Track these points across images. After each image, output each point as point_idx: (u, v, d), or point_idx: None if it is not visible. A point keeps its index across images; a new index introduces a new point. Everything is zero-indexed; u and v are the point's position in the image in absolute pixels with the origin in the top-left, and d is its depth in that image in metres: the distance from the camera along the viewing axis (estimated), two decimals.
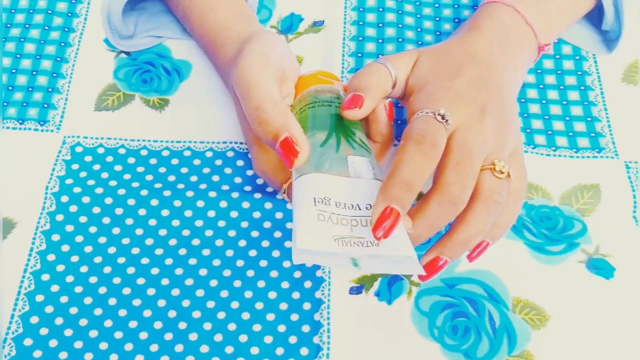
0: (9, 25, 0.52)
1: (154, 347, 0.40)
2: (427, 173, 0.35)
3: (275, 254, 0.43)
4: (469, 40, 0.43)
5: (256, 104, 0.38)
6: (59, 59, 0.51)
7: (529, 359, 0.40)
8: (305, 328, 0.41)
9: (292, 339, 0.40)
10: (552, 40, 0.49)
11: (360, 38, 0.53)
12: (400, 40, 0.52)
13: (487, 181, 0.37)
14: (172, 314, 0.41)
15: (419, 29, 0.53)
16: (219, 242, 0.43)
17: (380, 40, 0.53)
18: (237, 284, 0.42)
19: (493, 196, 0.36)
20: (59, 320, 0.41)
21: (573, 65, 0.52)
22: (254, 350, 0.40)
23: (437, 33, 0.53)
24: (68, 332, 0.40)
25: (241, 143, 0.48)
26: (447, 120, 0.37)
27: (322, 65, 0.51)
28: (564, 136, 0.48)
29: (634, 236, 0.44)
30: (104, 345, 0.40)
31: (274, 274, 0.42)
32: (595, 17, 0.52)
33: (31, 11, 0.53)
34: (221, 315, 0.41)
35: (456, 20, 0.54)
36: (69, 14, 0.53)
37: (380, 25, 0.53)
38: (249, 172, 0.46)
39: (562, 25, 0.49)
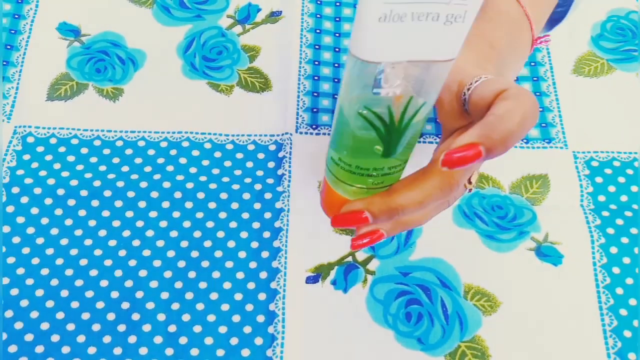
0: None
1: (107, 339, 0.40)
2: None
3: (231, 244, 0.43)
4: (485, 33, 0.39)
5: None
6: (8, 46, 0.50)
7: (480, 344, 0.41)
8: (260, 318, 0.41)
9: (247, 329, 0.40)
10: (538, 34, 0.49)
11: (318, 31, 0.53)
12: None
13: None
14: (125, 305, 0.41)
15: None
16: (174, 234, 0.43)
17: (337, 34, 0.53)
18: (192, 274, 0.42)
19: (450, 200, 0.35)
20: (8, 313, 0.40)
21: None
22: (208, 341, 0.40)
23: None
24: (18, 325, 0.40)
25: (196, 133, 0.47)
26: None
27: (279, 56, 0.51)
28: None
29: (581, 224, 0.45)
30: (55, 337, 0.39)
31: (229, 264, 0.42)
32: None
33: None
34: (175, 306, 0.41)
35: None
36: (19, 0, 0.52)
37: (337, 19, 0.54)
38: (205, 162, 0.46)
39: (546, 17, 0.49)
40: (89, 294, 0.41)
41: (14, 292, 0.41)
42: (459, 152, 0.28)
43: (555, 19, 0.50)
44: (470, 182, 0.35)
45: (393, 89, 0.28)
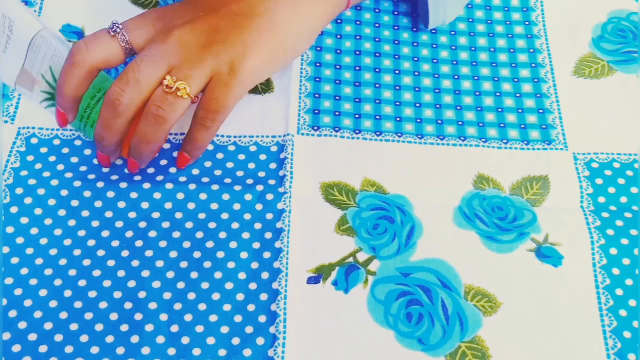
0: None
1: (110, 339, 0.40)
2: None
3: (233, 245, 0.43)
4: None
5: None
6: None
7: (480, 344, 0.41)
8: (262, 318, 0.41)
9: (248, 329, 0.41)
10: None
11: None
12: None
13: (154, 95, 0.41)
14: (128, 305, 0.41)
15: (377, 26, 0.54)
16: (176, 234, 0.43)
17: (338, 36, 0.53)
18: (194, 275, 0.42)
19: (150, 108, 0.41)
20: (12, 313, 0.40)
21: (527, 58, 0.53)
22: (210, 341, 0.40)
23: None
24: (22, 325, 0.40)
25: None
26: (116, 32, 0.42)
27: None
28: (516, 128, 0.50)
29: (581, 226, 0.46)
30: (58, 337, 0.40)
31: (231, 265, 0.43)
32: None
33: None
34: (178, 306, 0.41)
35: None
36: (23, 2, 0.52)
37: (339, 21, 0.54)
38: (207, 164, 0.46)
39: None
40: (92, 293, 0.41)
41: (18, 291, 0.41)
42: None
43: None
44: (170, 88, 0.41)
45: None
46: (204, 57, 0.42)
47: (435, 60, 0.53)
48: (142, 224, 0.44)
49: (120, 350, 0.40)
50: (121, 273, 0.42)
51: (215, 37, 0.42)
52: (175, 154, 0.47)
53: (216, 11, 0.43)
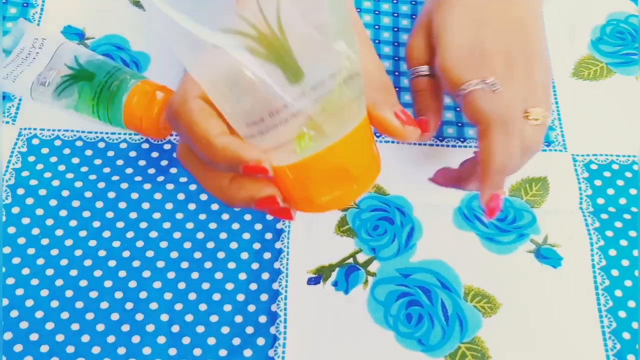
0: None
1: (111, 339, 0.40)
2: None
3: (233, 245, 0.43)
4: None
5: None
6: None
7: (480, 345, 0.41)
8: (262, 319, 0.41)
9: (249, 330, 0.41)
10: None
11: None
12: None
13: (526, 132, 0.38)
14: (129, 305, 0.41)
15: (395, 29, 0.54)
16: (177, 235, 0.44)
17: None
18: (195, 275, 0.42)
19: (532, 146, 0.39)
20: (14, 313, 0.40)
21: None
22: (211, 341, 0.40)
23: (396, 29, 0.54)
24: (23, 325, 0.40)
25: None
26: (497, 89, 0.37)
27: None
28: None
29: (580, 227, 0.46)
30: (60, 337, 0.40)
31: (231, 265, 0.43)
32: None
33: None
34: (178, 306, 0.41)
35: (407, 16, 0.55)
36: (25, 4, 0.53)
37: None
38: None
39: None
40: (93, 294, 0.41)
41: (19, 292, 0.41)
42: (492, 204, 0.37)
43: None
44: (537, 120, 0.38)
45: None
46: (538, 79, 0.40)
47: None
48: (143, 225, 0.44)
49: (121, 351, 0.40)
50: (122, 273, 0.42)
51: None
52: (175, 154, 0.47)
53: None
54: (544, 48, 0.40)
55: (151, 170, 0.46)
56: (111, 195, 0.45)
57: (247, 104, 0.27)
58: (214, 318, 0.41)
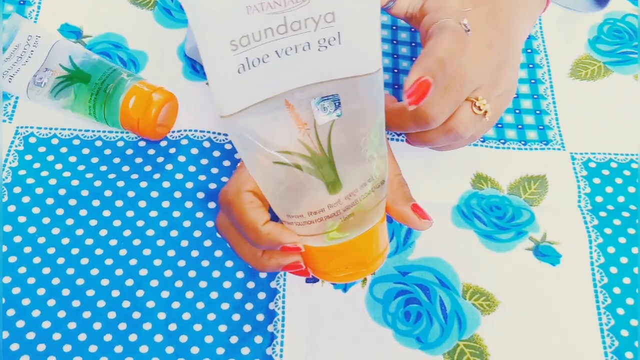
0: None
1: (108, 337, 0.40)
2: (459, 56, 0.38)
3: None
4: None
5: None
6: None
7: (478, 343, 0.41)
8: (260, 317, 0.41)
9: (247, 328, 0.41)
10: None
11: None
12: None
13: (463, 112, 0.39)
14: (126, 304, 0.41)
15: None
16: (174, 233, 0.43)
17: None
18: (192, 274, 0.42)
19: (459, 128, 0.39)
20: (10, 312, 0.40)
21: (525, 58, 0.53)
22: (208, 339, 0.40)
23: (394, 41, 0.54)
24: (20, 324, 0.40)
25: (195, 131, 0.48)
26: (469, 30, 0.39)
27: None
28: (513, 129, 0.50)
29: (579, 225, 0.46)
30: (57, 336, 0.40)
31: (229, 263, 0.43)
32: None
33: None
34: (176, 304, 0.41)
35: None
36: (21, 2, 0.53)
37: None
38: (204, 161, 0.46)
39: None
40: (90, 292, 0.41)
41: (16, 291, 0.41)
42: (412, 88, 0.34)
43: None
44: (480, 110, 0.40)
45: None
46: (503, 80, 0.41)
47: None
48: (140, 223, 0.44)
49: (118, 349, 0.39)
50: (119, 272, 0.42)
51: None
52: (172, 150, 0.47)
53: None
54: (517, 61, 0.42)
55: (147, 168, 0.46)
56: (108, 193, 0.44)
57: (292, 203, 0.33)
58: (211, 316, 0.41)
